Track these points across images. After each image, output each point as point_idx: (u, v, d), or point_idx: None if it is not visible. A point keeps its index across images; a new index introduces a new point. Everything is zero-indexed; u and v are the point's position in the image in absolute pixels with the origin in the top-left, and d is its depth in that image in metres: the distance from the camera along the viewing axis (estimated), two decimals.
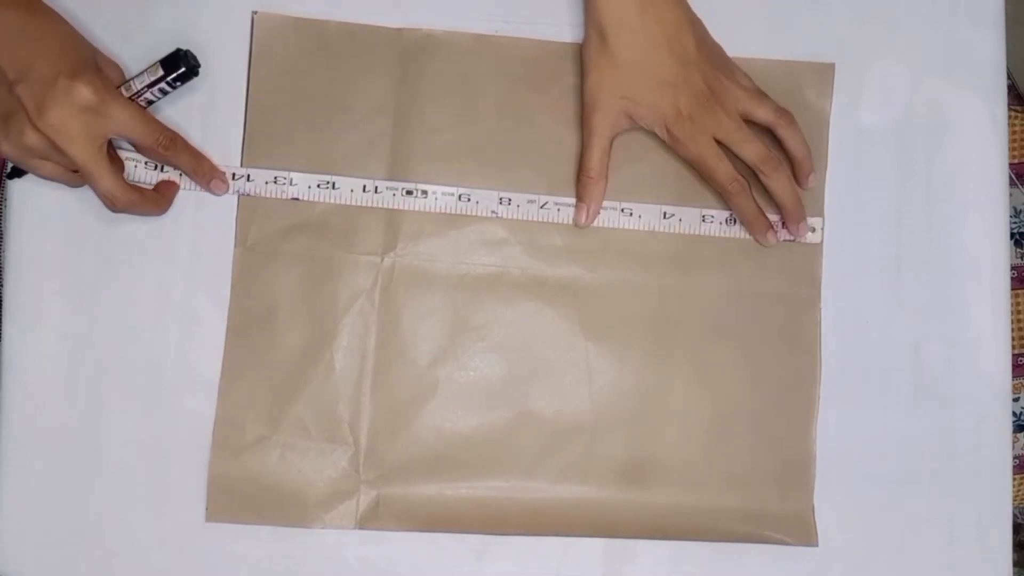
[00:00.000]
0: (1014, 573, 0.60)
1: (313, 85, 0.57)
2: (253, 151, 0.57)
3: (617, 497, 0.57)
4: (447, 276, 0.57)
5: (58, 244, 0.56)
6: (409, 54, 0.58)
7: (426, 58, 0.58)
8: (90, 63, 0.52)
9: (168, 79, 0.54)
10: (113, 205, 0.53)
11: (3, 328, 0.56)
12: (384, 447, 0.56)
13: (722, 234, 0.59)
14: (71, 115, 0.50)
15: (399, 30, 0.58)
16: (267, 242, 0.57)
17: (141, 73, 0.54)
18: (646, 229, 0.58)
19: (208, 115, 0.57)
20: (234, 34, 0.57)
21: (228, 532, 0.55)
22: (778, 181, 0.56)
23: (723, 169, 0.56)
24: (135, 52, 0.56)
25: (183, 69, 0.54)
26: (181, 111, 0.57)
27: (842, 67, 0.60)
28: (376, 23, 0.58)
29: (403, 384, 0.57)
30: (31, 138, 0.50)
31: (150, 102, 0.55)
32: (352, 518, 0.56)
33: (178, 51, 0.55)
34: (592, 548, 0.57)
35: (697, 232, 0.58)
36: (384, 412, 0.57)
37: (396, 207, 0.57)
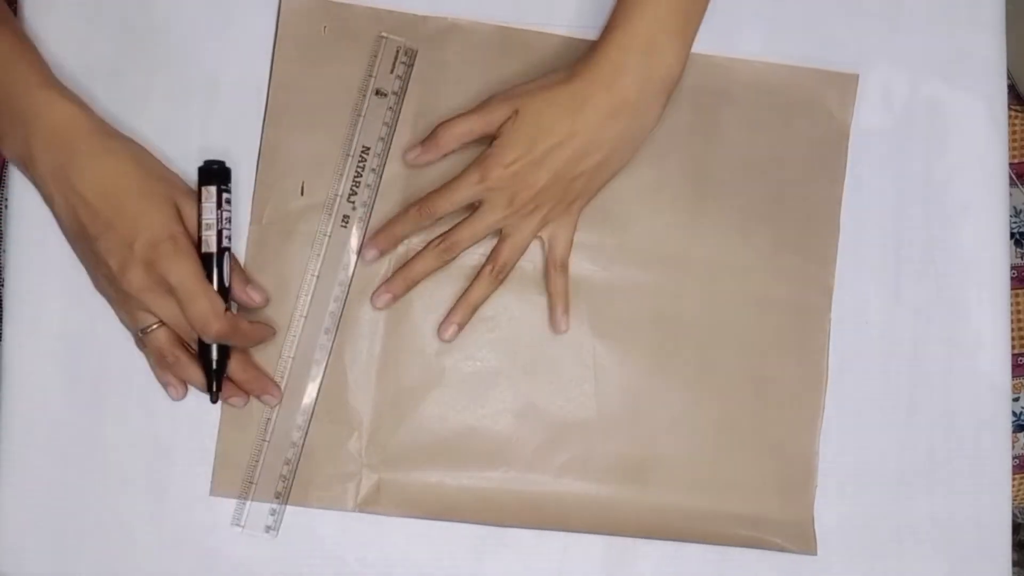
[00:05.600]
0: (1014, 573, 0.60)
1: (337, 67, 0.57)
2: (275, 131, 0.57)
3: (617, 494, 0.57)
4: (459, 266, 0.57)
5: (58, 244, 0.55)
6: (433, 41, 0.58)
7: (449, 46, 0.58)
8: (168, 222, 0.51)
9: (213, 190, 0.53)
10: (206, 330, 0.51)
11: (3, 328, 0.56)
12: (388, 432, 0.56)
13: (732, 239, 0.58)
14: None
15: (424, 17, 0.58)
16: (282, 222, 0.57)
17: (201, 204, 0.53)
18: (658, 231, 0.58)
19: (231, 96, 0.57)
20: (261, 14, 0.57)
21: (228, 532, 0.55)
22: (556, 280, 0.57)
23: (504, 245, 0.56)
24: (156, 40, 0.57)
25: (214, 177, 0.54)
26: (199, 96, 0.57)
27: (842, 67, 0.60)
28: (403, 10, 0.58)
29: (410, 370, 0.57)
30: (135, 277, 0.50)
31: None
32: (352, 500, 0.56)
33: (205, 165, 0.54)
34: (592, 547, 0.57)
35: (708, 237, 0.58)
36: (390, 397, 0.57)
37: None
